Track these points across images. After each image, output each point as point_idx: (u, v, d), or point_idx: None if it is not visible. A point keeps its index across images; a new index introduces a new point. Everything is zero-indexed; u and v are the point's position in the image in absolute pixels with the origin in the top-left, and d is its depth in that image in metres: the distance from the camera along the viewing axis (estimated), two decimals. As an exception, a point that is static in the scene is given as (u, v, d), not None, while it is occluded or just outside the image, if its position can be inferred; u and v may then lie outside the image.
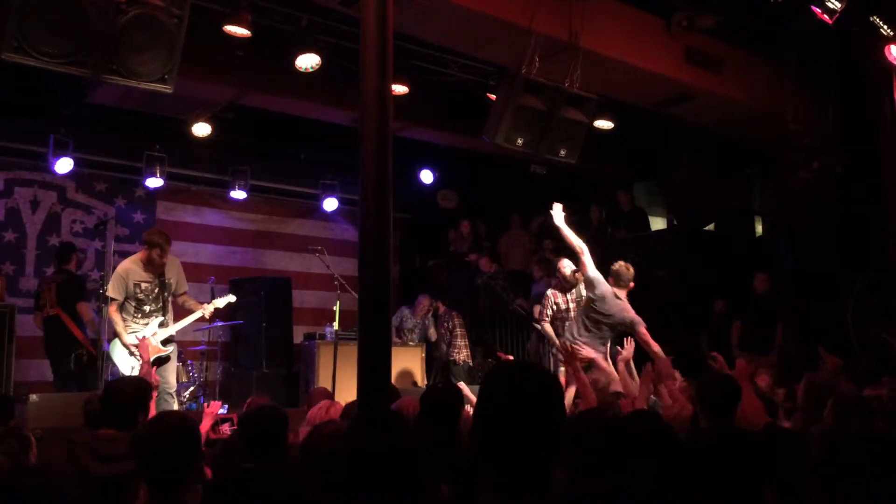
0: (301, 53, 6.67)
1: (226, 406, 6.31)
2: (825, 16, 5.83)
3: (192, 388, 7.94)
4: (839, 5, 5.78)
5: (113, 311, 6.27)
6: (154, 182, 9.02)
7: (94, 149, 8.98)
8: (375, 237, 3.67)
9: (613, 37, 6.52)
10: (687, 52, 6.91)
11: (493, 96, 6.95)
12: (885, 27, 6.29)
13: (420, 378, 8.57)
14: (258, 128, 9.12)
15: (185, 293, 6.58)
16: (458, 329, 9.22)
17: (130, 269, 6.32)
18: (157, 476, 2.60)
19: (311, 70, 6.78)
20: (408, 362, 8.47)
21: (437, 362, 9.17)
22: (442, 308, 9.39)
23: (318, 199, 10.44)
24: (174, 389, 6.45)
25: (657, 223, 10.38)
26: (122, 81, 4.55)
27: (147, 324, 6.32)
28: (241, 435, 3.44)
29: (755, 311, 8.09)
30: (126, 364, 6.27)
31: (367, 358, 3.56)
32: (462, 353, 9.10)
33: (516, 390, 1.69)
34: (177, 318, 6.51)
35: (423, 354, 8.78)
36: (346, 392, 6.61)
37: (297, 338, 8.97)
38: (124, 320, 6.22)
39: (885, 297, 7.04)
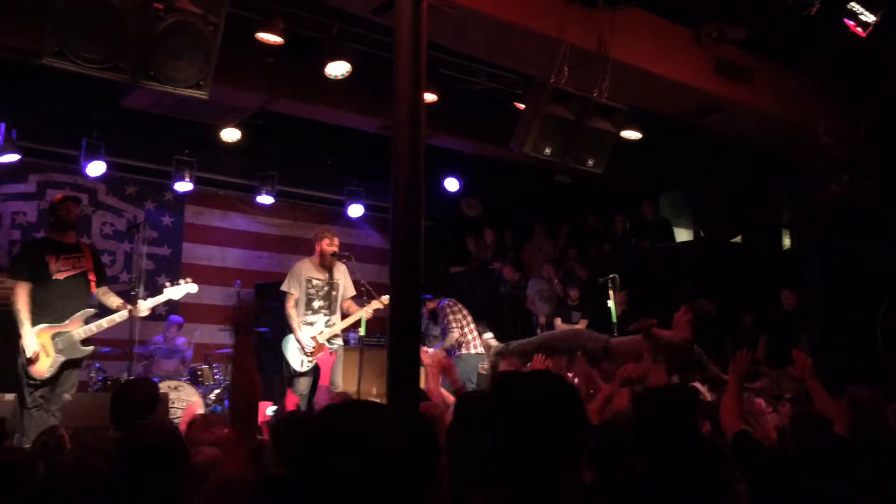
0: (331, 61, 6.72)
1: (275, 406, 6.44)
2: (858, 28, 5.78)
3: (217, 391, 8.00)
4: (872, 18, 5.73)
5: (290, 306, 6.70)
6: (183, 186, 9.13)
7: (125, 152, 9.12)
8: (407, 244, 3.68)
9: (643, 47, 6.50)
10: (717, 63, 6.88)
11: (521, 105, 6.95)
12: (919, 40, 6.23)
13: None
14: (286, 134, 9.20)
15: (351, 297, 6.98)
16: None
17: (304, 266, 6.80)
18: (140, 494, 2.37)
19: (340, 78, 6.84)
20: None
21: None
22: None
23: (344, 206, 10.52)
24: (340, 389, 6.73)
25: (682, 234, 10.31)
26: (158, 87, 4.60)
27: (314, 322, 6.72)
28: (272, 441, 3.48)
29: (781, 326, 8.01)
30: (297, 360, 6.68)
31: (396, 364, 3.57)
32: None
33: (531, 399, 1.74)
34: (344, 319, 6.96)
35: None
36: (369, 397, 6.63)
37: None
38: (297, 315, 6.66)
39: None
